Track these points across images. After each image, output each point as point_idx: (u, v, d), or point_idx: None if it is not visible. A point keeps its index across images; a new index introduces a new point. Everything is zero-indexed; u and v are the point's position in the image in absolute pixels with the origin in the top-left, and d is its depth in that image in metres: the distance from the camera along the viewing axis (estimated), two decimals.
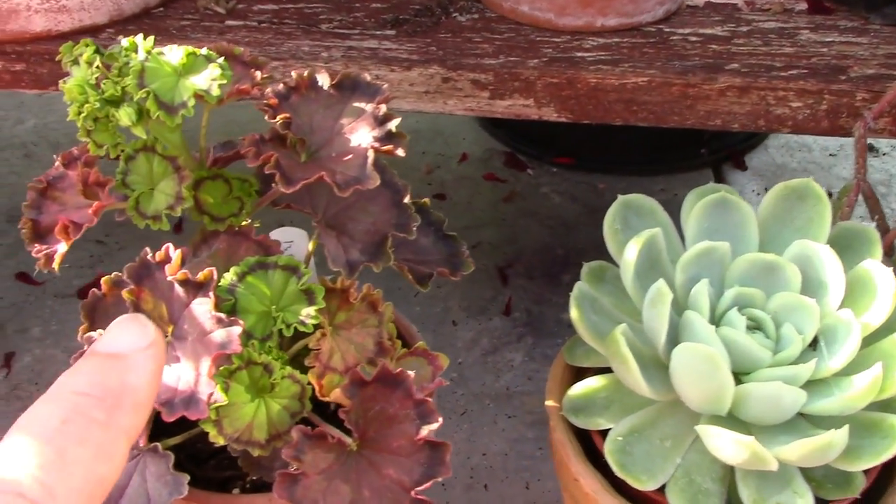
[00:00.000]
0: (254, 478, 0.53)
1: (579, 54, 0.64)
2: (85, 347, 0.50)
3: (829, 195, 0.55)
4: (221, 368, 0.42)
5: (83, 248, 0.95)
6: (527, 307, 0.88)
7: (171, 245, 0.43)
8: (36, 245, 0.47)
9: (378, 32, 0.67)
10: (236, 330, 0.40)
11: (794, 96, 0.62)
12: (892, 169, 1.07)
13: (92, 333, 0.44)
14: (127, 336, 0.32)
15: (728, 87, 0.62)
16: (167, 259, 0.43)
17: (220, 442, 0.43)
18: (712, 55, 0.65)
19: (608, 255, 0.93)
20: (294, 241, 0.62)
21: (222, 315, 0.41)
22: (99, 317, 0.51)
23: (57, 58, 0.46)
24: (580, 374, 0.56)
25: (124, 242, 0.94)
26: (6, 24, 0.63)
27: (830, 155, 1.09)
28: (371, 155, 0.44)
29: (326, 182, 0.44)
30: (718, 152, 1.07)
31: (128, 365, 0.31)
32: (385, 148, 0.45)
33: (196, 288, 0.42)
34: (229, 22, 0.68)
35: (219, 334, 0.41)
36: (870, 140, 1.09)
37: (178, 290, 0.42)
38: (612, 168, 1.05)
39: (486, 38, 0.66)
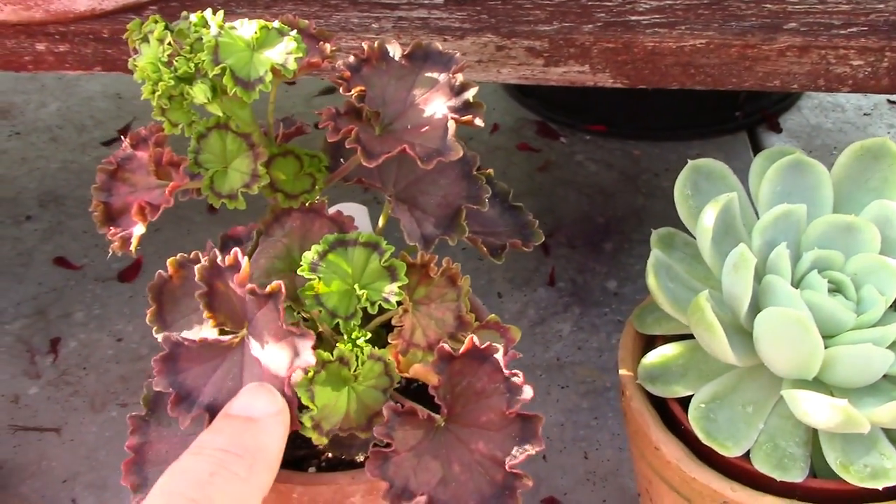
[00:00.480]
0: (329, 455, 0.53)
1: (634, 18, 0.63)
2: (154, 332, 0.49)
3: None
4: (301, 379, 0.41)
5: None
6: (571, 277, 0.87)
7: (238, 251, 0.43)
8: (110, 228, 0.46)
9: (426, 1, 0.65)
10: (307, 343, 0.41)
11: (854, 54, 0.61)
12: None
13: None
14: (259, 402, 0.37)
15: (788, 46, 0.61)
16: (236, 264, 0.42)
17: (325, 442, 0.42)
18: (768, 14, 0.63)
19: (648, 222, 0.92)
20: (355, 216, 0.61)
21: (293, 327, 0.41)
22: (166, 299, 0.51)
23: (124, 35, 0.45)
24: (650, 342, 0.56)
25: (160, 223, 0.93)
26: (50, 3, 0.62)
27: (864, 114, 1.08)
28: (452, 126, 0.44)
29: (408, 155, 0.43)
30: (752, 115, 1.06)
31: (261, 428, 0.36)
32: (465, 118, 0.44)
33: (265, 298, 0.42)
34: None
35: (290, 348, 0.41)
36: None
37: (249, 298, 0.42)
38: (645, 134, 1.04)
39: (536, 3, 0.65)
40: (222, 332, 0.44)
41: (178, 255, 0.50)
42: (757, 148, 1.02)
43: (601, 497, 0.68)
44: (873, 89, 0.62)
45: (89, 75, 1.21)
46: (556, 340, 0.81)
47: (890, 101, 1.09)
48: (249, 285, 0.42)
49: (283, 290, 0.41)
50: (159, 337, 0.49)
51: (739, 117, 1.05)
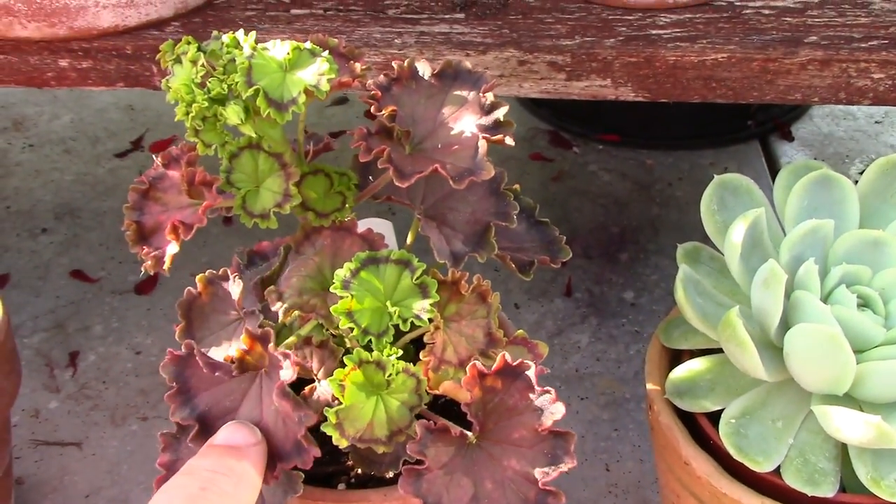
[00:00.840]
0: (359, 471, 0.53)
1: (655, 32, 0.63)
2: (182, 348, 0.49)
3: None
4: (336, 372, 0.42)
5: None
6: (587, 287, 0.87)
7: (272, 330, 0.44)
8: (143, 247, 0.46)
9: (447, 16, 0.66)
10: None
11: (876, 67, 0.61)
12: None
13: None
14: (239, 434, 0.42)
15: (809, 60, 0.61)
16: (266, 337, 0.44)
17: (343, 444, 0.42)
18: (789, 28, 0.64)
19: (664, 232, 0.93)
20: (381, 232, 0.61)
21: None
22: (195, 315, 0.51)
23: (157, 57, 0.45)
24: (676, 356, 0.56)
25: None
26: (74, 20, 0.62)
27: (876, 122, 1.08)
28: (483, 145, 0.44)
29: (440, 175, 0.43)
30: (764, 123, 1.06)
31: (243, 453, 0.41)
32: (495, 137, 0.45)
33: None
34: (295, 11, 0.67)
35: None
36: None
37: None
38: (658, 143, 1.05)
39: (557, 18, 0.65)
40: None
41: (207, 271, 0.51)
42: (769, 156, 1.03)
43: None
44: (894, 102, 0.63)
45: None
46: (574, 351, 0.81)
47: None
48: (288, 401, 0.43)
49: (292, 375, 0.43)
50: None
51: (752, 126, 1.05)
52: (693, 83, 0.63)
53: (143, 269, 0.46)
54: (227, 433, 0.42)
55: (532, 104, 1.11)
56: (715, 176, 0.54)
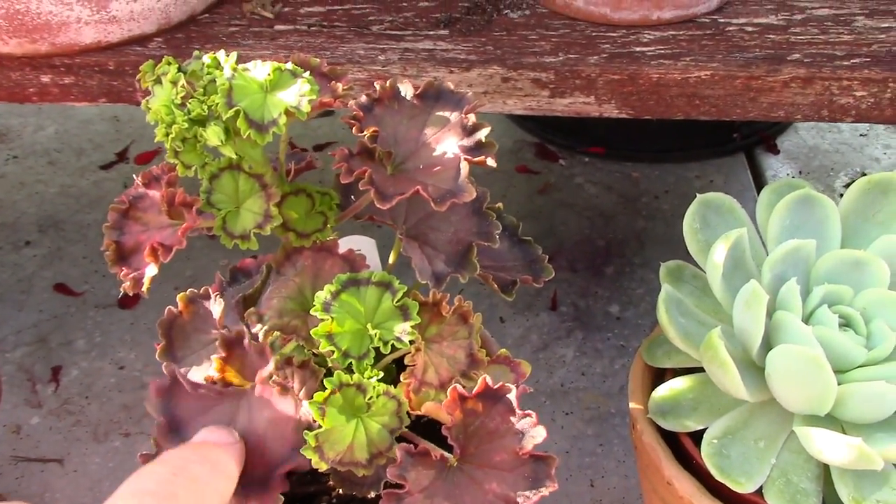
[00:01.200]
0: (340, 491, 0.52)
1: (638, 49, 0.63)
2: (164, 368, 0.49)
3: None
4: (315, 395, 0.42)
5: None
6: (573, 301, 0.87)
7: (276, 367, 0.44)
8: (123, 269, 0.46)
9: (431, 33, 0.66)
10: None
11: (858, 85, 0.61)
12: None
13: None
14: (216, 434, 0.42)
15: (792, 78, 0.61)
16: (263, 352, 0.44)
17: (323, 467, 0.42)
18: (772, 45, 0.64)
19: (649, 245, 0.93)
20: (362, 249, 0.61)
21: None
22: (176, 334, 0.51)
23: (137, 77, 0.45)
24: (660, 374, 0.56)
25: None
26: (56, 36, 0.62)
27: (861, 135, 1.08)
28: (465, 167, 0.44)
29: (421, 196, 0.43)
30: (750, 137, 1.06)
31: (220, 449, 0.40)
32: (477, 159, 0.44)
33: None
34: (278, 27, 0.67)
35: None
36: None
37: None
38: (643, 156, 1.05)
39: (541, 35, 0.65)
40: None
41: (189, 290, 0.50)
42: (755, 169, 1.03)
43: None
44: (877, 119, 0.63)
45: None
46: (559, 366, 0.81)
47: None
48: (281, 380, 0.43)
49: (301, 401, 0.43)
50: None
51: (737, 139, 1.05)
52: (676, 100, 0.63)
53: (121, 289, 0.46)
54: (204, 433, 0.42)
55: (518, 117, 1.11)
56: (698, 195, 0.54)
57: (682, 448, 0.52)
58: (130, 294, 0.46)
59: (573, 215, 0.98)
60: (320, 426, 0.42)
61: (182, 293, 0.50)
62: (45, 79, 0.64)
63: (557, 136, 1.08)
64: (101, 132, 1.14)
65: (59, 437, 0.76)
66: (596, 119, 1.08)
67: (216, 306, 0.49)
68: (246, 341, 0.43)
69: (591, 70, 0.62)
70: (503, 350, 0.51)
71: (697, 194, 0.54)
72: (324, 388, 0.42)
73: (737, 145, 1.05)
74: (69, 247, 0.96)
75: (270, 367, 0.44)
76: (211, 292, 0.51)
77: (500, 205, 0.55)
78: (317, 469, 0.47)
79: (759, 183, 1.01)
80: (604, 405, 0.77)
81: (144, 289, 0.45)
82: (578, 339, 0.83)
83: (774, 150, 1.06)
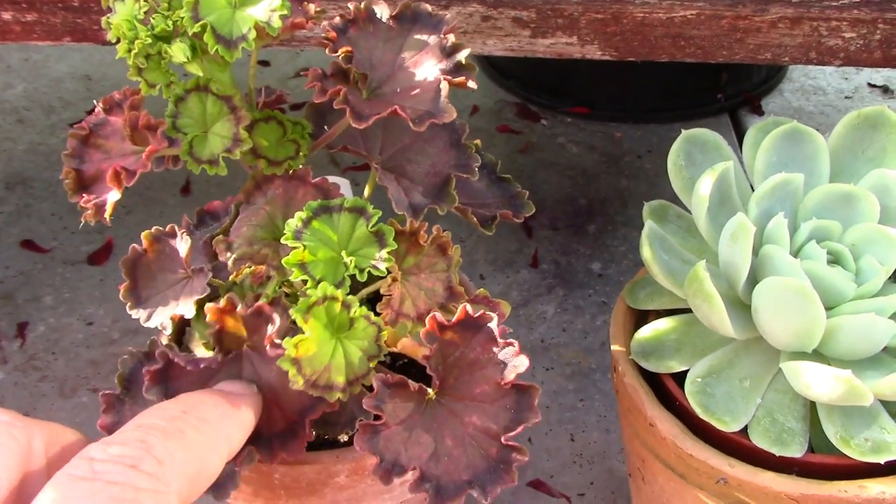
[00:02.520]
0: (311, 433, 0.51)
1: None
2: (128, 308, 0.47)
3: None
4: (300, 301, 0.39)
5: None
6: (554, 258, 0.86)
7: (266, 306, 0.41)
8: (83, 195, 0.44)
9: None
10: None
11: (847, 26, 0.60)
12: None
13: None
14: (234, 385, 0.40)
15: (780, 18, 0.60)
16: (266, 317, 0.41)
17: (300, 384, 0.40)
18: None
19: (632, 204, 0.91)
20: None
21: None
22: (141, 274, 0.49)
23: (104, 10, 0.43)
24: (642, 317, 0.54)
25: (131, 205, 0.91)
26: None
27: (846, 97, 1.07)
28: (445, 87, 0.42)
29: (398, 117, 0.41)
30: (734, 97, 1.05)
31: (234, 396, 0.39)
32: (457, 79, 0.43)
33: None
34: None
35: None
36: (884, 82, 1.08)
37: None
38: (627, 116, 1.03)
39: None
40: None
41: (154, 227, 0.48)
42: (739, 130, 1.02)
43: (588, 479, 0.67)
44: (865, 62, 0.61)
45: (57, 56, 1.18)
46: (540, 322, 0.79)
47: (871, 85, 1.09)
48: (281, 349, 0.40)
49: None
50: (134, 314, 0.47)
51: (721, 99, 1.04)
52: (661, 41, 0.61)
53: (82, 219, 0.44)
54: (221, 385, 0.41)
55: (500, 76, 1.09)
56: (683, 130, 0.53)
57: (665, 390, 0.51)
58: (92, 223, 0.44)
59: (555, 174, 0.96)
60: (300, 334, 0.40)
61: (146, 231, 0.48)
62: (7, 16, 0.62)
63: (540, 96, 1.06)
64: (71, 90, 1.11)
65: (24, 393, 0.74)
66: (579, 78, 1.07)
67: (182, 244, 0.47)
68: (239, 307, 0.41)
69: (574, 9, 0.60)
70: (482, 290, 0.49)
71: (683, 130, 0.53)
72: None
73: (721, 106, 1.04)
74: (38, 204, 0.94)
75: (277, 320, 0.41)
76: (177, 230, 0.48)
77: (478, 141, 0.53)
78: None
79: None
80: (584, 361, 0.76)
81: (107, 215, 0.43)
82: (559, 295, 0.82)
83: (759, 111, 1.04)
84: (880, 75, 1.10)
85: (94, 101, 1.08)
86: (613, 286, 0.82)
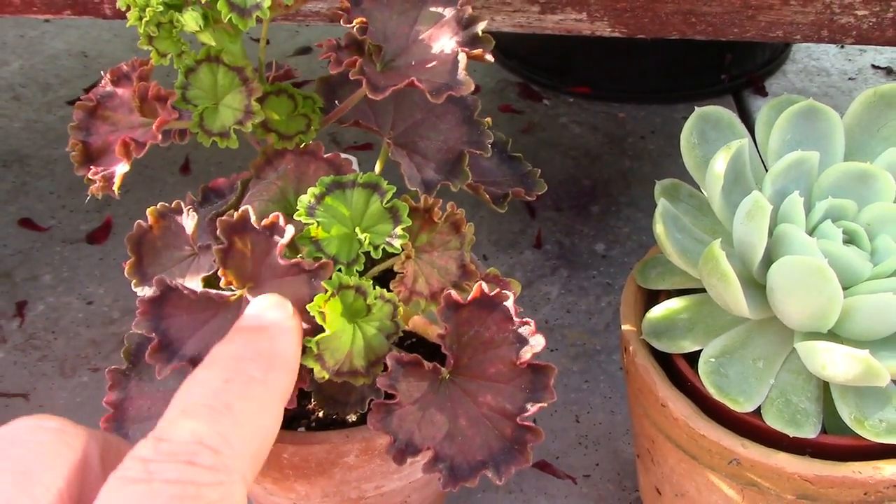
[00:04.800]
0: (320, 415, 0.50)
1: None
2: (133, 285, 0.46)
3: None
4: (316, 298, 0.39)
5: (88, 191, 0.90)
6: (558, 239, 0.85)
7: (280, 214, 0.39)
8: (90, 167, 0.43)
9: None
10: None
11: (860, 4, 0.59)
12: None
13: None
14: (270, 312, 0.36)
15: None
16: (276, 228, 0.39)
17: (325, 377, 0.39)
18: None
19: (636, 185, 0.91)
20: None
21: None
22: (146, 251, 0.48)
23: None
24: (652, 297, 0.54)
25: (131, 184, 0.90)
26: None
27: (849, 79, 1.07)
28: (463, 59, 0.41)
29: (415, 89, 0.40)
30: (738, 78, 1.04)
31: (274, 333, 0.35)
32: (475, 52, 0.42)
33: (305, 271, 0.39)
34: None
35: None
36: (887, 63, 1.07)
37: (277, 262, 0.39)
38: (630, 97, 1.02)
39: None
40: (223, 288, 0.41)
41: (159, 203, 0.47)
42: (743, 111, 1.01)
43: (594, 460, 0.66)
44: (877, 41, 0.61)
45: (53, 33, 1.17)
46: (544, 303, 0.79)
47: (874, 66, 1.08)
48: (294, 260, 0.39)
49: (332, 267, 0.39)
50: (140, 291, 0.46)
51: (725, 80, 1.03)
52: (672, 18, 0.60)
53: (89, 191, 0.43)
54: (255, 310, 0.36)
55: (502, 56, 1.08)
56: (697, 108, 0.52)
57: (676, 371, 0.50)
58: (99, 196, 0.43)
59: (558, 155, 0.95)
60: (321, 332, 0.39)
61: (151, 207, 0.47)
62: None
63: (542, 77, 1.05)
64: (68, 67, 1.09)
65: (24, 373, 0.73)
66: (581, 58, 1.06)
67: (189, 221, 0.46)
68: (252, 236, 0.39)
69: None
70: (492, 269, 0.49)
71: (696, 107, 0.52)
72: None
73: (725, 87, 1.03)
74: (35, 182, 0.92)
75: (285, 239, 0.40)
76: (183, 206, 0.48)
77: (488, 119, 0.52)
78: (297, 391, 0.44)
79: (748, 125, 0.99)
80: (589, 342, 0.76)
81: (115, 188, 0.42)
82: (563, 276, 0.81)
83: (763, 93, 1.04)
84: (884, 57, 1.09)
85: (92, 78, 1.06)
86: (618, 267, 0.82)
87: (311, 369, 0.38)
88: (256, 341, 0.34)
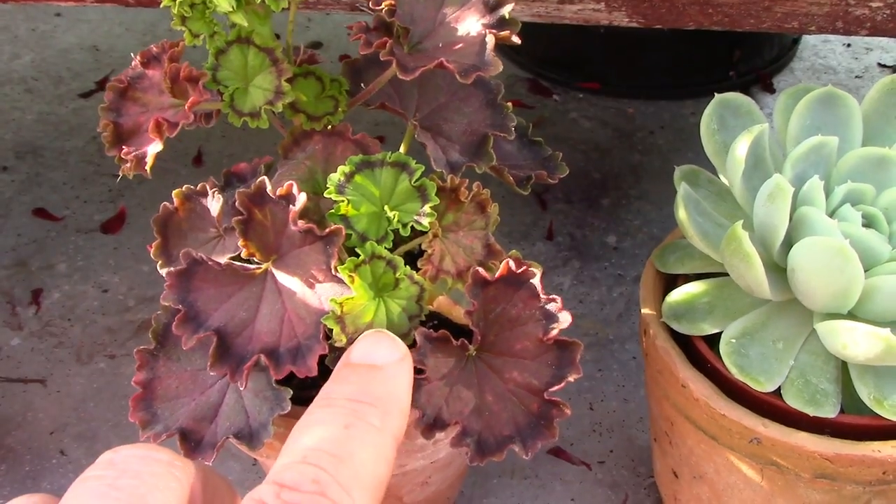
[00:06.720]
0: None
1: None
2: (159, 266, 0.47)
3: None
4: (347, 261, 0.39)
5: (101, 182, 0.91)
6: (569, 231, 0.86)
7: (294, 183, 0.40)
8: (121, 148, 0.44)
9: None
10: (347, 291, 0.39)
11: None
12: None
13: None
14: (382, 349, 0.35)
15: None
16: (290, 196, 0.40)
17: (343, 342, 0.40)
18: None
19: (645, 179, 0.91)
20: None
21: (339, 275, 0.39)
22: (172, 232, 0.48)
23: None
24: (671, 281, 0.55)
25: (143, 176, 0.90)
26: None
27: (856, 77, 1.07)
28: (491, 40, 0.42)
29: (446, 69, 0.41)
30: (746, 75, 1.05)
31: (388, 375, 0.34)
32: (502, 34, 0.42)
33: (318, 238, 0.40)
34: None
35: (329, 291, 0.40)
36: (894, 62, 1.08)
37: (294, 231, 0.39)
38: (639, 92, 1.03)
39: None
40: (249, 262, 0.42)
41: (185, 186, 0.48)
42: None
43: (608, 447, 0.67)
44: (892, 33, 0.61)
45: (65, 27, 1.17)
46: (556, 294, 0.79)
47: (881, 65, 1.09)
48: (306, 224, 0.39)
49: (343, 233, 0.39)
50: (165, 273, 0.46)
51: (733, 77, 1.04)
52: (689, 8, 0.61)
53: (121, 172, 0.44)
54: (366, 347, 0.35)
55: (511, 51, 1.09)
56: (716, 94, 0.53)
57: (696, 353, 0.51)
58: (130, 176, 0.44)
59: (568, 149, 0.96)
60: (347, 293, 0.39)
61: (177, 189, 0.47)
62: None
63: (551, 72, 1.06)
64: (80, 61, 1.10)
65: (41, 359, 0.73)
66: (591, 54, 1.06)
67: (214, 203, 0.47)
68: (270, 206, 0.40)
69: None
70: (514, 251, 0.49)
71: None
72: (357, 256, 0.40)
73: (733, 83, 1.04)
74: (49, 172, 0.93)
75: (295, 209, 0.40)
76: (208, 189, 0.48)
77: (509, 104, 0.53)
78: (321, 371, 0.45)
79: None
80: (602, 332, 0.76)
81: (148, 167, 0.43)
82: (575, 267, 0.82)
83: (770, 90, 1.05)
84: (890, 55, 1.10)
85: (103, 72, 1.07)
86: (629, 259, 0.83)
87: (331, 330, 0.39)
88: (371, 383, 0.33)
